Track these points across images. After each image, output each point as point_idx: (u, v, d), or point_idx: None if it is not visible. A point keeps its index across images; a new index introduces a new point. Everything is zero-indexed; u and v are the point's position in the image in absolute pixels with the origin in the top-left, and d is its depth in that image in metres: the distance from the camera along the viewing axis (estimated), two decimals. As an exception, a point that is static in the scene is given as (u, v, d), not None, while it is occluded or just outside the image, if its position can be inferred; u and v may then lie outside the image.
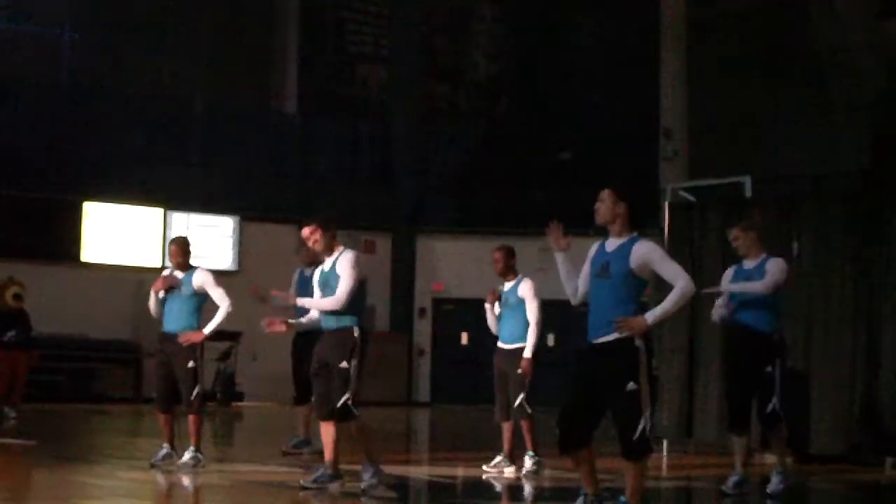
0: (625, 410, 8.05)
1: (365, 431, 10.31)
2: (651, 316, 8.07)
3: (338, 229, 10.39)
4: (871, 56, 24.42)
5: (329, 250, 10.29)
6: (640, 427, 8.04)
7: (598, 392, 8.11)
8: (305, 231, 10.34)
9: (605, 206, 8.26)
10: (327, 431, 10.34)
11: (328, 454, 10.39)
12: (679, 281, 8.15)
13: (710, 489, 11.96)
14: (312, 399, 10.82)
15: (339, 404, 10.09)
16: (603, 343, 8.12)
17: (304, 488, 10.36)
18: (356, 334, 10.19)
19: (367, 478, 10.18)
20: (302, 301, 10.51)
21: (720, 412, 14.58)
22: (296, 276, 13.81)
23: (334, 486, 10.33)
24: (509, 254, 12.25)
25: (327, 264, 10.31)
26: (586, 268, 8.37)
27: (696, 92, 26.65)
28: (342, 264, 10.17)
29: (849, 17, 24.72)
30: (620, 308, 8.08)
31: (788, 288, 11.05)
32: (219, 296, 11.72)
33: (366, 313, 10.44)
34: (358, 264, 10.22)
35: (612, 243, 8.28)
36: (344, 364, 10.09)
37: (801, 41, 25.28)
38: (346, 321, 10.17)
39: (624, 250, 8.17)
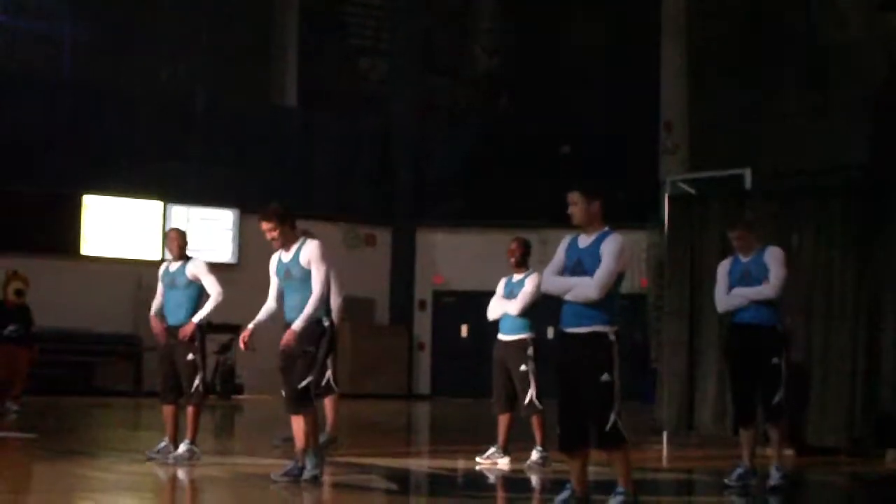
0: (598, 402, 8.18)
1: (315, 423, 10.27)
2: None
3: (293, 222, 10.32)
4: (872, 50, 24.39)
5: (289, 243, 10.26)
6: (613, 419, 8.14)
7: (578, 385, 8.20)
8: (264, 226, 10.26)
9: (578, 209, 8.31)
10: (297, 424, 10.32)
11: (299, 444, 10.36)
12: (593, 281, 8.12)
13: (710, 481, 11.96)
14: None
15: (299, 386, 10.07)
16: (576, 333, 8.23)
17: (275, 482, 10.29)
18: (325, 324, 10.25)
19: (310, 467, 10.15)
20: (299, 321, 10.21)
21: (719, 404, 14.61)
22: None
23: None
24: (526, 246, 12.29)
25: (288, 255, 10.26)
26: (562, 259, 8.39)
27: (697, 85, 26.65)
28: (307, 251, 10.16)
29: (849, 11, 24.70)
30: (595, 302, 8.15)
31: (788, 281, 10.98)
32: (210, 283, 11.72)
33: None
34: (325, 255, 10.22)
35: (584, 240, 8.36)
36: (310, 348, 10.09)
37: (802, 34, 25.26)
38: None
39: (595, 247, 8.26)
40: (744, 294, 10.72)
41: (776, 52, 25.42)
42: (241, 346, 10.43)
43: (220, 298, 11.71)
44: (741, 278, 10.77)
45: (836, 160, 22.06)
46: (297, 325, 10.06)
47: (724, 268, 11.00)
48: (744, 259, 10.84)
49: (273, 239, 10.24)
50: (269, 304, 10.49)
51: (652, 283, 24.27)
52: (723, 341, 12.65)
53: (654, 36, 27.50)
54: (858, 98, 24.19)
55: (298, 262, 10.16)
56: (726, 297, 10.88)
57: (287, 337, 10.10)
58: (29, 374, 18.83)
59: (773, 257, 10.74)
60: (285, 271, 10.27)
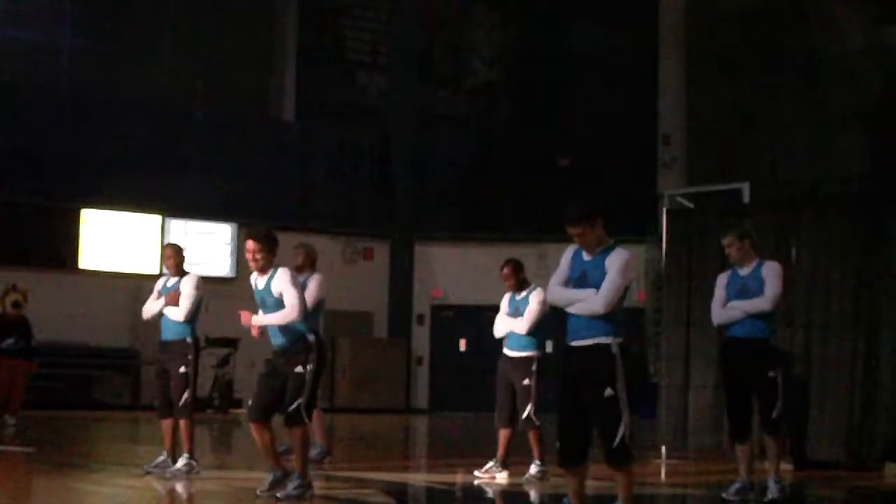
0: (603, 416, 8.07)
1: (306, 441, 10.26)
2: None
3: (276, 251, 10.33)
4: (869, 62, 24.43)
5: (265, 270, 10.25)
6: (620, 433, 8.04)
7: (582, 400, 8.13)
8: (250, 245, 10.31)
9: (587, 238, 8.18)
10: (261, 436, 10.27)
11: (270, 457, 10.32)
12: (599, 295, 8.07)
13: (707, 495, 11.93)
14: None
15: (291, 408, 10.04)
16: (580, 346, 8.17)
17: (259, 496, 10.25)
18: (311, 339, 10.21)
19: (290, 488, 10.08)
20: (259, 319, 10.25)
21: (716, 418, 14.58)
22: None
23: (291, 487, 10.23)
24: (518, 268, 12.27)
25: (261, 282, 10.25)
26: (566, 270, 8.32)
27: (695, 98, 26.68)
28: (279, 282, 10.13)
29: (847, 23, 24.73)
30: (600, 315, 8.09)
31: (787, 293, 10.99)
32: (184, 302, 11.69)
33: (318, 323, 10.42)
34: (295, 279, 10.26)
35: (589, 253, 8.25)
36: (299, 369, 10.07)
37: (800, 47, 25.29)
38: (299, 329, 10.16)
39: (599, 261, 8.16)
40: (740, 307, 10.69)
41: (775, 65, 25.45)
42: (254, 332, 10.42)
43: (178, 318, 11.68)
44: (739, 292, 10.71)
45: (835, 171, 22.06)
46: (256, 321, 10.18)
47: (721, 280, 10.97)
48: (742, 273, 10.79)
49: (255, 261, 10.26)
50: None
51: (650, 296, 24.26)
52: (718, 355, 12.61)
53: (653, 48, 27.53)
54: (857, 110, 24.23)
55: (271, 292, 10.19)
56: (722, 309, 10.86)
57: (245, 317, 10.19)
58: (27, 388, 18.79)
59: (771, 271, 10.69)
60: (261, 298, 10.30)
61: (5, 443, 15.54)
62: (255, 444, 10.39)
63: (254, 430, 10.32)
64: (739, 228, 11.17)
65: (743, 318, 10.67)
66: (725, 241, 10.89)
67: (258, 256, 10.25)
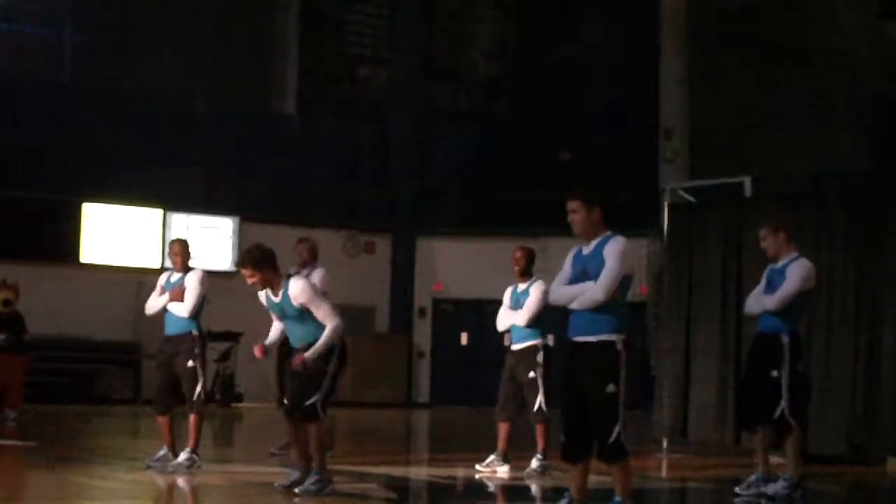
0: (602, 412, 8.07)
1: (322, 438, 10.22)
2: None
3: (273, 263, 10.18)
4: (871, 56, 24.40)
5: (272, 285, 10.14)
6: (616, 430, 8.05)
7: (583, 394, 8.12)
8: (244, 273, 10.16)
9: (579, 217, 8.16)
10: (295, 433, 10.29)
11: (301, 457, 10.35)
12: (597, 283, 8.04)
13: (708, 489, 11.93)
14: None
15: (306, 403, 10.03)
16: (583, 342, 8.16)
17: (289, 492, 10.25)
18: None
19: (307, 483, 10.10)
20: (311, 353, 10.06)
21: (719, 414, 14.59)
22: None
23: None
24: (531, 255, 12.23)
25: (277, 295, 10.13)
26: (569, 271, 8.31)
27: (697, 92, 26.64)
28: (300, 295, 10.02)
29: (848, 18, 24.70)
30: (601, 307, 8.07)
31: (801, 296, 10.78)
32: (189, 296, 11.64)
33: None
34: (316, 291, 10.19)
35: (587, 248, 8.24)
36: (321, 365, 10.04)
37: (801, 41, 25.26)
38: (321, 330, 10.10)
39: (597, 252, 8.15)
40: (759, 301, 10.63)
41: (776, 59, 25.41)
42: (258, 353, 10.39)
43: (182, 313, 11.65)
44: (766, 287, 10.64)
45: (837, 166, 22.04)
46: (309, 354, 10.00)
47: (765, 272, 10.84)
48: (775, 267, 10.67)
49: (254, 283, 10.13)
50: (277, 325, 10.44)
51: (651, 290, 24.26)
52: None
53: (654, 42, 27.49)
54: (859, 104, 24.20)
55: (290, 303, 10.06)
56: (751, 301, 10.79)
57: (297, 361, 10.05)
58: (24, 382, 18.72)
59: (793, 269, 10.51)
60: (280, 310, 10.18)
61: (7, 437, 15.53)
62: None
63: (291, 431, 10.36)
64: (775, 221, 10.86)
65: (762, 311, 10.59)
66: (760, 235, 10.72)
67: (255, 279, 10.10)
